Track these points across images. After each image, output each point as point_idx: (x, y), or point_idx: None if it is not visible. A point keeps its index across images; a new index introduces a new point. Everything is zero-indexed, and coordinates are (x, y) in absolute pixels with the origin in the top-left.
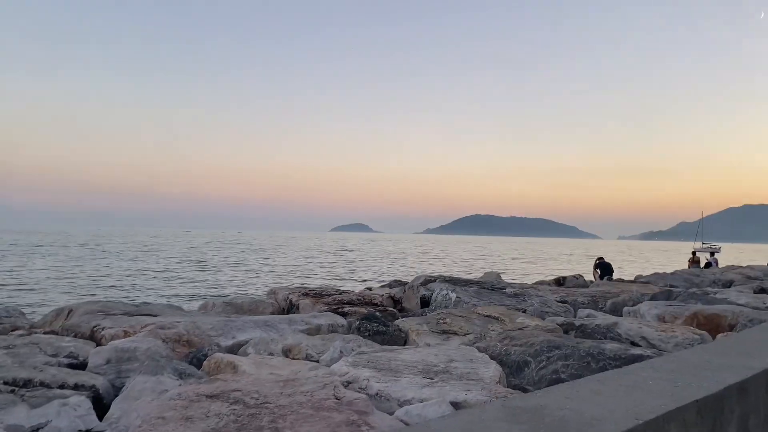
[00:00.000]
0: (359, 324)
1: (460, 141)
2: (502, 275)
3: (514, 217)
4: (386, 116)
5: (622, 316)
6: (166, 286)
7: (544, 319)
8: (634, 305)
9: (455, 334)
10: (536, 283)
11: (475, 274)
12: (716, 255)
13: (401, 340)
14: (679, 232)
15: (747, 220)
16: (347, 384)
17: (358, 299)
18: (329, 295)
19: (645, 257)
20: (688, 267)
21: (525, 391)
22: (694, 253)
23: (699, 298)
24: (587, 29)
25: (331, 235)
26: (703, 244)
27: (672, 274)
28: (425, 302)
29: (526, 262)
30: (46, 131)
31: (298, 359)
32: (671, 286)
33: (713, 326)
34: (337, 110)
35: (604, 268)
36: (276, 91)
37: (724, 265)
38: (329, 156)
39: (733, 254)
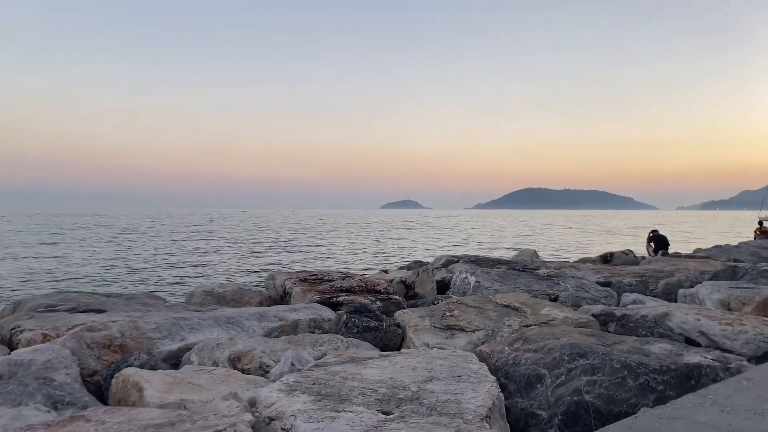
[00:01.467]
0: (347, 319)
1: (512, 114)
2: (544, 251)
3: (567, 189)
4: (436, 90)
5: (676, 300)
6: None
7: (579, 307)
8: (691, 287)
9: (462, 330)
10: (579, 260)
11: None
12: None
13: (397, 337)
14: (742, 200)
15: None
16: (268, 422)
17: (359, 286)
18: (329, 281)
19: (705, 228)
20: (755, 239)
21: (534, 417)
22: (761, 223)
23: None
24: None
25: (382, 212)
26: None
27: (736, 246)
28: (444, 287)
29: (578, 236)
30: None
31: (248, 369)
32: (736, 261)
33: None
34: (385, 88)
35: (658, 241)
36: (322, 71)
37: None
38: (378, 133)
39: None
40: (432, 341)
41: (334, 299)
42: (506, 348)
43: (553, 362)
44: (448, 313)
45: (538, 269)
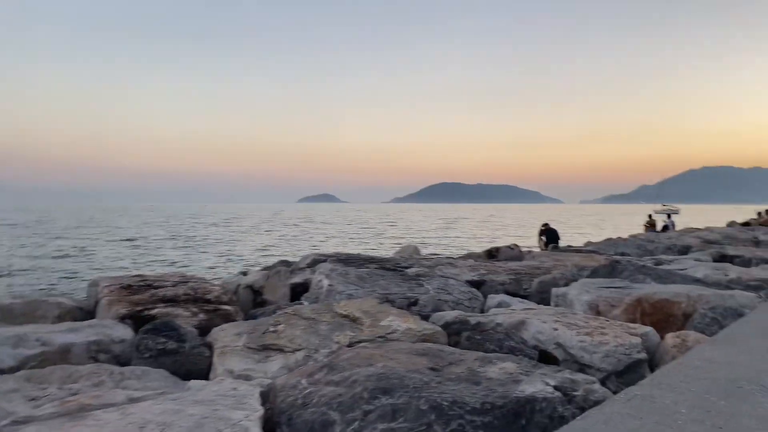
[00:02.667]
0: (139, 340)
1: (427, 110)
2: (440, 245)
3: (480, 184)
4: (353, 86)
5: (549, 301)
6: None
7: (438, 312)
8: (566, 285)
9: (281, 350)
10: (464, 256)
11: (432, 245)
12: (674, 217)
13: (204, 361)
14: (640, 194)
15: (706, 182)
16: None
17: (186, 294)
18: (156, 288)
19: (606, 221)
20: (645, 231)
21: None
22: (650, 216)
23: (649, 272)
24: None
25: (297, 206)
26: (663, 206)
27: (624, 240)
28: (304, 291)
29: (483, 229)
30: None
31: None
32: (622, 254)
33: (663, 316)
34: (303, 81)
35: (549, 234)
36: (240, 63)
37: (682, 228)
38: (295, 127)
39: (692, 216)
40: (238, 367)
41: (146, 312)
42: (303, 380)
43: (351, 401)
44: (272, 329)
45: (410, 268)
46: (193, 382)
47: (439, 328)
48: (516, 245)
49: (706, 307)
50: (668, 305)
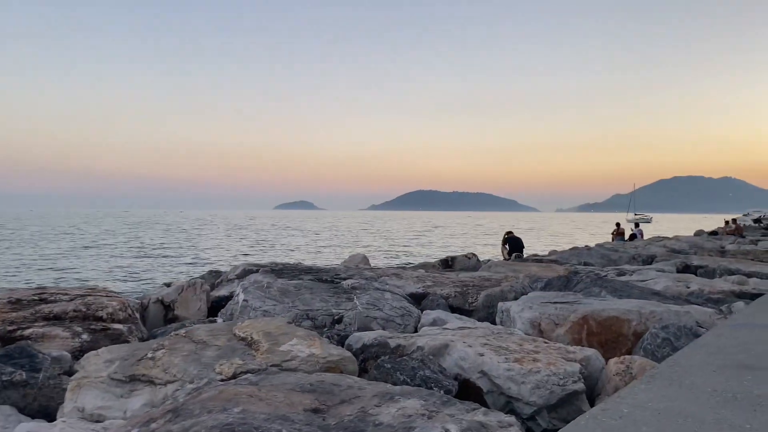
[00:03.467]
0: None
1: (404, 118)
2: (402, 253)
3: (456, 192)
4: (331, 93)
5: (495, 317)
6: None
7: (366, 330)
8: (516, 298)
9: (151, 382)
10: (418, 265)
11: (395, 254)
12: (645, 226)
13: (61, 394)
14: (614, 203)
15: (677, 191)
16: None
17: (75, 311)
18: (46, 302)
19: (581, 229)
20: (612, 239)
21: None
22: (618, 225)
23: (605, 284)
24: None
25: (273, 213)
26: (636, 214)
27: (589, 249)
28: (219, 306)
29: (452, 237)
30: None
31: None
32: (585, 263)
33: (611, 336)
34: (279, 88)
35: (513, 243)
36: (213, 66)
37: (651, 236)
38: (272, 133)
39: (664, 224)
40: (91, 404)
41: (19, 333)
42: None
43: None
44: (150, 354)
45: (348, 279)
46: (21, 427)
47: (348, 354)
48: (473, 254)
49: (659, 326)
50: (617, 323)
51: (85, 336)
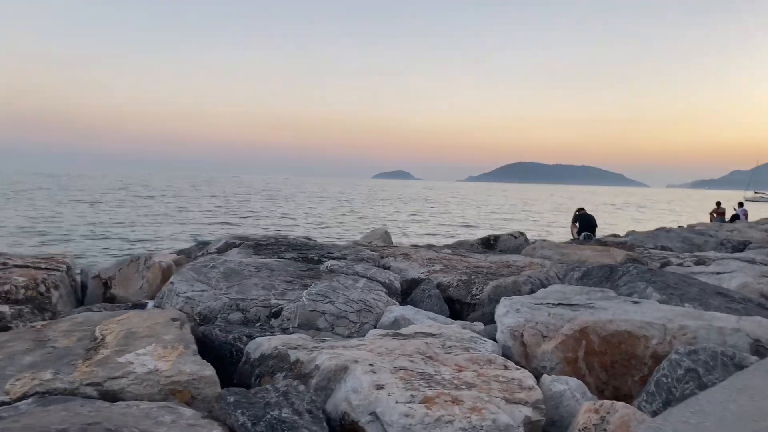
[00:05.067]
0: None
1: (506, 87)
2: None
3: (559, 164)
4: (433, 62)
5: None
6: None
7: (311, 326)
8: (532, 291)
9: None
10: (455, 243)
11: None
12: (758, 207)
13: None
14: (732, 180)
15: None
16: None
17: None
18: None
19: (685, 207)
20: (711, 220)
21: None
22: (719, 204)
23: (655, 279)
24: None
25: (371, 182)
26: (756, 192)
27: (668, 231)
28: None
29: (534, 212)
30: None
31: None
32: (662, 247)
33: (620, 357)
34: (382, 58)
35: (584, 221)
36: (318, 38)
37: (760, 218)
38: (372, 103)
39: None
40: None
41: None
42: None
43: None
44: None
45: (333, 258)
46: None
47: (208, 374)
48: (521, 233)
49: (684, 349)
50: (630, 341)
51: None
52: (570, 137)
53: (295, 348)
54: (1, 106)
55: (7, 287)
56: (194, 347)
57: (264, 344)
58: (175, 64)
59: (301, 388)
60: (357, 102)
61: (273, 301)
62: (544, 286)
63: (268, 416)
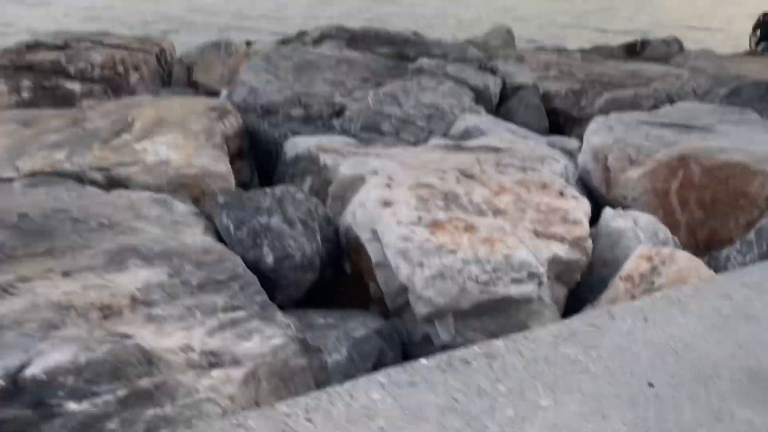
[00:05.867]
0: None
1: None
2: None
3: None
4: None
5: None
6: None
7: (375, 130)
8: (653, 108)
9: None
10: (592, 48)
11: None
12: None
13: None
14: None
15: None
16: None
17: (52, 63)
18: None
19: None
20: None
21: None
22: None
23: None
24: None
25: None
26: None
27: None
28: None
29: None
30: None
31: None
32: None
33: (726, 195)
34: None
35: (765, 29)
36: None
37: None
38: None
39: None
40: None
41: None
42: None
43: None
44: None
45: (431, 56)
46: None
47: (222, 170)
48: (676, 39)
49: None
50: (741, 176)
51: (25, 94)
52: None
53: (327, 151)
54: None
55: (82, 65)
56: (218, 140)
57: (300, 144)
58: None
59: (300, 195)
60: None
61: (338, 99)
62: (673, 103)
63: (254, 221)
